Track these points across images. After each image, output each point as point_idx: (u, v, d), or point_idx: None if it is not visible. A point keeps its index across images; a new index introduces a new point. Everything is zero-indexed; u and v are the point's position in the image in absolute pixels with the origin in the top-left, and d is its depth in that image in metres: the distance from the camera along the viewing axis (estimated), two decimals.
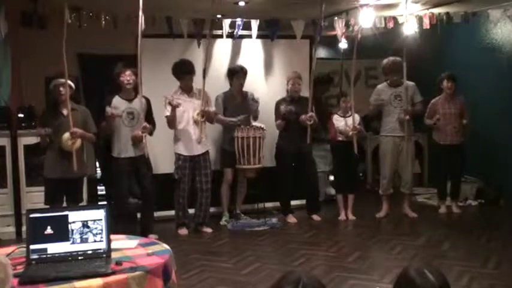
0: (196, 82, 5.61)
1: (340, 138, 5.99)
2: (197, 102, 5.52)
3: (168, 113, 5.43)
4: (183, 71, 5.53)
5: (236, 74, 5.96)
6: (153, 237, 4.77)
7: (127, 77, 5.18)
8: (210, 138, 5.89)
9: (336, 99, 6.42)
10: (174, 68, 5.58)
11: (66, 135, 4.65)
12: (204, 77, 5.46)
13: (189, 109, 5.54)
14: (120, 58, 5.42)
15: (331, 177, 6.91)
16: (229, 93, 6.00)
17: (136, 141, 5.21)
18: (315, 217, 6.15)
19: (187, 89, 5.57)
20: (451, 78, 6.13)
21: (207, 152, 5.67)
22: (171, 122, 5.48)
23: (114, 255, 2.48)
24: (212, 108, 5.69)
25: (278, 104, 6.02)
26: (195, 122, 5.51)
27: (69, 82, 4.72)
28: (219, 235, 5.64)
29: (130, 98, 5.26)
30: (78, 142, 4.74)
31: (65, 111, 4.78)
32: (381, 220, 6.15)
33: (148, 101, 5.30)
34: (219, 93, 5.95)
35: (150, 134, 5.31)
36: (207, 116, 5.54)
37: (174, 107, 5.35)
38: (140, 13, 4.72)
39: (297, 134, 5.91)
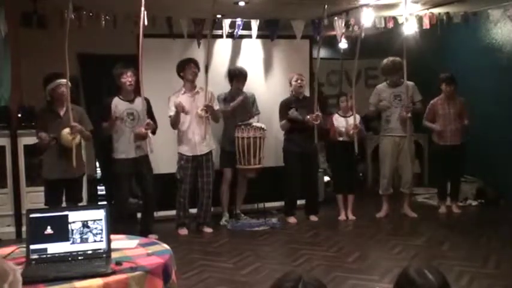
0: (199, 81, 5.62)
1: (340, 138, 5.99)
2: (200, 101, 5.53)
3: (172, 113, 5.44)
4: (186, 60, 5.59)
5: (236, 77, 5.96)
6: (153, 237, 4.77)
7: (129, 77, 5.18)
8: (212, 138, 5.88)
9: (336, 99, 6.42)
10: (177, 65, 5.61)
11: (66, 129, 4.64)
12: (206, 72, 5.46)
13: (192, 109, 5.54)
14: (120, 58, 5.41)
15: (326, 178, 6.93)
16: (229, 93, 6.00)
17: (140, 138, 5.20)
18: (312, 217, 6.15)
19: (191, 80, 5.56)
20: (450, 82, 6.12)
21: (210, 152, 5.67)
22: (175, 122, 5.49)
23: (114, 255, 2.48)
24: (216, 107, 5.69)
25: (283, 105, 5.99)
26: (200, 117, 5.50)
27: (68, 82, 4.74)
28: (219, 235, 5.63)
29: (130, 98, 5.26)
30: (78, 138, 4.74)
31: (61, 112, 4.79)
32: (381, 220, 6.15)
33: (148, 101, 5.30)
34: (220, 93, 5.95)
35: (153, 132, 5.31)
36: (211, 112, 5.54)
37: (181, 111, 5.40)
38: (142, 9, 4.69)
39: (302, 135, 5.89)
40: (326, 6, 5.34)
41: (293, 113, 5.88)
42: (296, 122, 5.89)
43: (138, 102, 5.19)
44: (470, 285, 3.98)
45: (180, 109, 5.38)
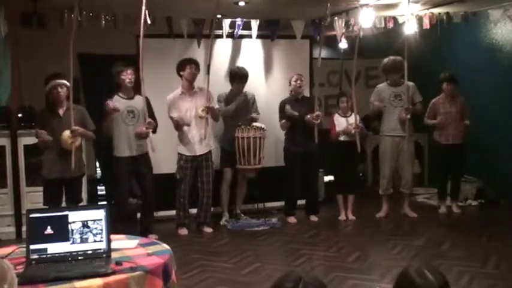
0: (198, 81, 5.61)
1: (341, 138, 5.99)
2: (199, 101, 5.53)
3: (174, 115, 5.46)
4: (187, 60, 5.59)
5: (237, 78, 5.95)
6: (153, 237, 4.77)
7: (129, 75, 5.18)
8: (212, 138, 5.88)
9: (336, 99, 6.42)
10: (178, 64, 5.61)
11: (67, 133, 4.64)
12: (208, 72, 5.45)
13: (191, 109, 5.54)
14: (120, 58, 5.41)
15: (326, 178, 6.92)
16: (230, 93, 6.00)
17: (141, 138, 5.20)
18: (313, 217, 6.15)
19: (190, 81, 5.56)
20: (451, 81, 6.12)
21: (209, 152, 5.67)
22: (179, 125, 5.52)
23: (114, 255, 2.49)
24: (216, 106, 5.70)
25: (282, 104, 5.99)
26: (200, 118, 5.51)
27: (65, 82, 4.73)
28: (219, 235, 5.63)
29: (130, 96, 5.26)
30: (78, 140, 4.74)
31: (61, 112, 4.79)
32: (381, 220, 6.15)
33: (147, 100, 5.30)
34: (221, 93, 5.95)
35: (154, 131, 5.30)
36: (211, 112, 5.54)
37: (182, 124, 5.48)
38: (143, 7, 4.68)
39: (303, 134, 5.89)
40: (329, 4, 5.32)
41: (288, 110, 5.88)
42: (296, 120, 5.89)
43: (138, 100, 5.19)
44: (470, 285, 3.98)
45: (181, 122, 5.45)
